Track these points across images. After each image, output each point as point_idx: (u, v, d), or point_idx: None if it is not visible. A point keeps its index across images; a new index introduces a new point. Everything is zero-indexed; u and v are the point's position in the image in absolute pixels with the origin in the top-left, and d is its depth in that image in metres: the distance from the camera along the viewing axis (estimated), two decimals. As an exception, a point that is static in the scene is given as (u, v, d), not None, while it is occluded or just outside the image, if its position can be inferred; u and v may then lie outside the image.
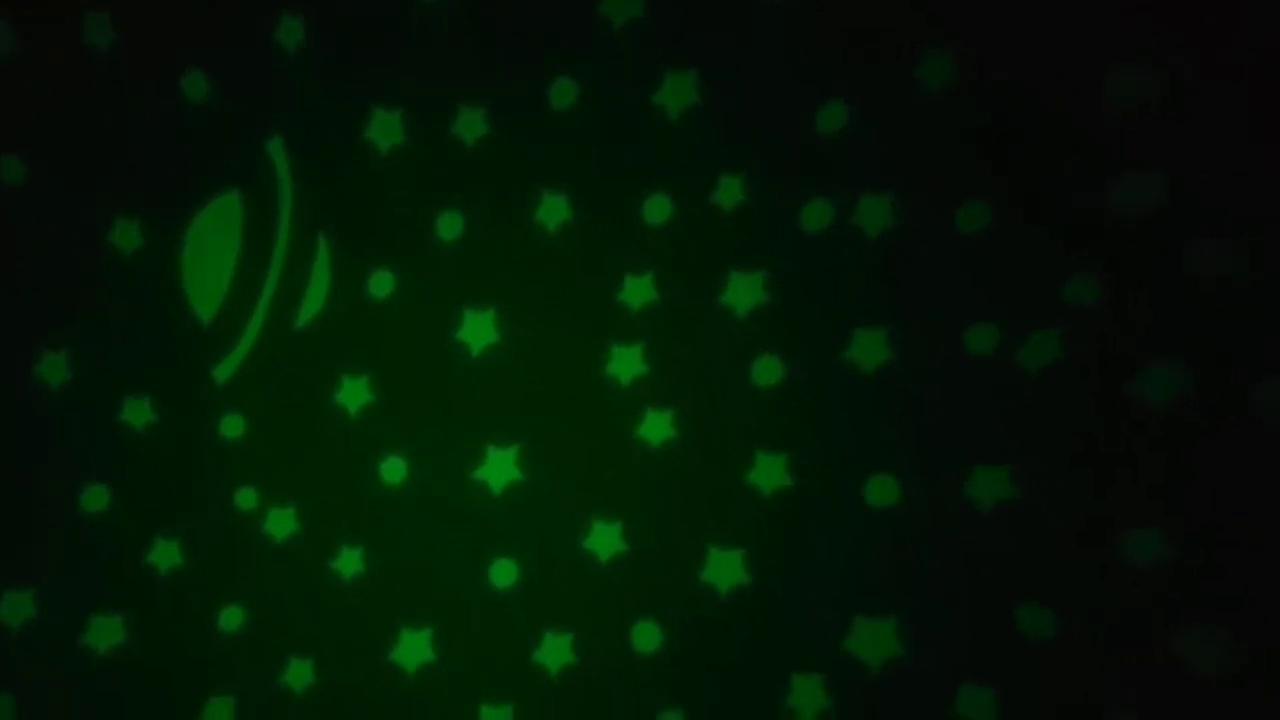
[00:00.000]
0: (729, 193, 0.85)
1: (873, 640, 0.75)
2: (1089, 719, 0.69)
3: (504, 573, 0.87)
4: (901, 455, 0.78)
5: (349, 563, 0.91)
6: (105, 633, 0.94)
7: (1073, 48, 0.72)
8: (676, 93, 0.85)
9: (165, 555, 0.95)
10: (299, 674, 0.89)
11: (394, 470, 0.92)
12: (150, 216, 1.01)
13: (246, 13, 0.96)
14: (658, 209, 0.87)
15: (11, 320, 1.02)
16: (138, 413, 0.99)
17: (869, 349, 0.80)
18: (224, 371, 0.99)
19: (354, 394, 0.95)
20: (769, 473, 0.81)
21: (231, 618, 0.92)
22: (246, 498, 0.95)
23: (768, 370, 0.83)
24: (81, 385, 1.01)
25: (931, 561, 0.75)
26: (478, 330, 0.92)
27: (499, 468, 0.89)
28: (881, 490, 0.78)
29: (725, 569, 0.81)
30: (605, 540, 0.85)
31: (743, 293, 0.84)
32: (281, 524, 0.93)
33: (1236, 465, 0.68)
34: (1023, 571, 0.73)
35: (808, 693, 0.76)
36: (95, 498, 0.98)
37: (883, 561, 0.77)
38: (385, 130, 0.94)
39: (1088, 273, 0.73)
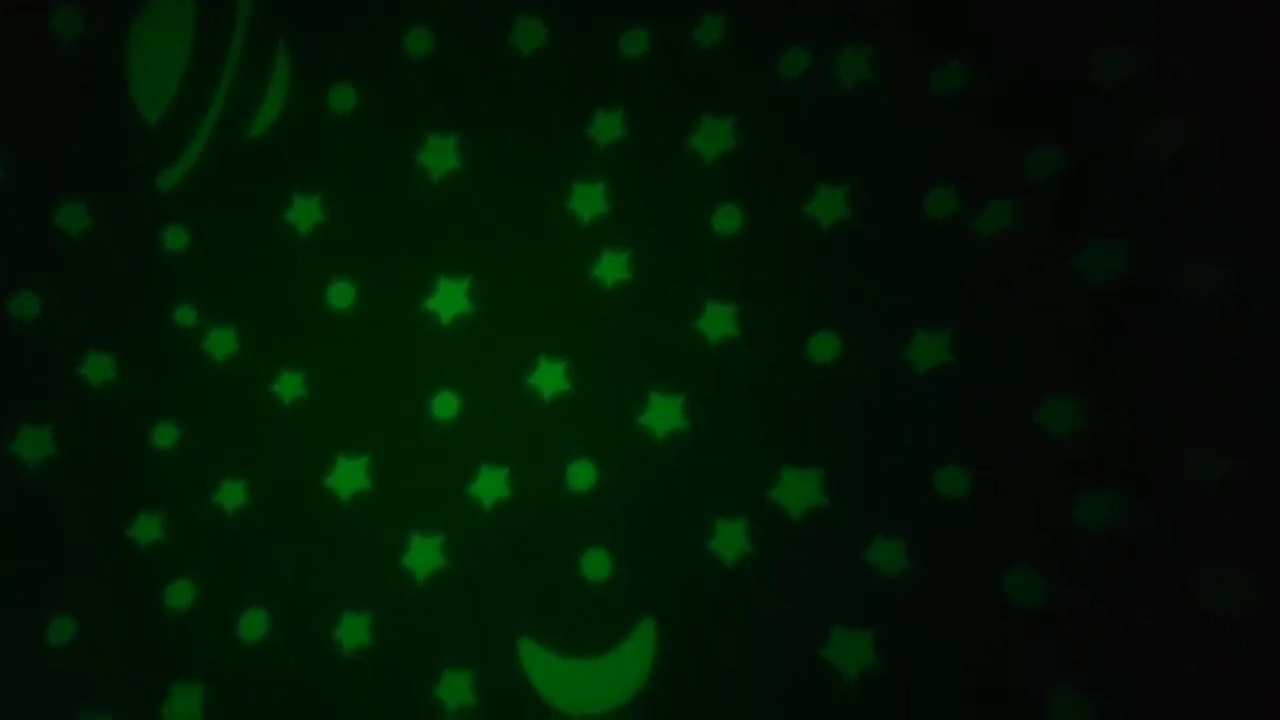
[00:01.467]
0: (709, 31, 0.88)
1: (797, 490, 0.82)
2: (989, 573, 0.78)
3: (445, 405, 0.92)
4: (847, 313, 0.83)
5: (289, 386, 0.94)
6: (34, 444, 0.96)
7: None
8: None
9: (98, 368, 0.97)
10: (231, 494, 0.93)
11: (342, 295, 0.94)
12: (94, 1, 1.00)
13: None
14: (635, 42, 0.89)
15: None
16: (73, 217, 1.00)
17: (830, 204, 0.85)
18: (169, 179, 1.00)
19: (305, 212, 0.97)
20: (717, 322, 0.86)
21: (165, 435, 0.95)
22: (186, 314, 0.97)
23: (728, 218, 0.88)
24: (12, 184, 1.02)
25: (862, 419, 0.82)
26: (439, 153, 0.94)
27: (450, 299, 0.92)
28: (823, 347, 0.84)
29: (664, 414, 0.86)
30: (549, 378, 0.89)
31: (712, 137, 0.88)
32: (221, 343, 0.96)
33: (1159, 346, 0.75)
34: (946, 434, 0.80)
35: (730, 538, 0.84)
36: (25, 304, 0.99)
37: (816, 416, 0.83)
38: (355, -71, 0.94)
39: (1052, 146, 0.78)
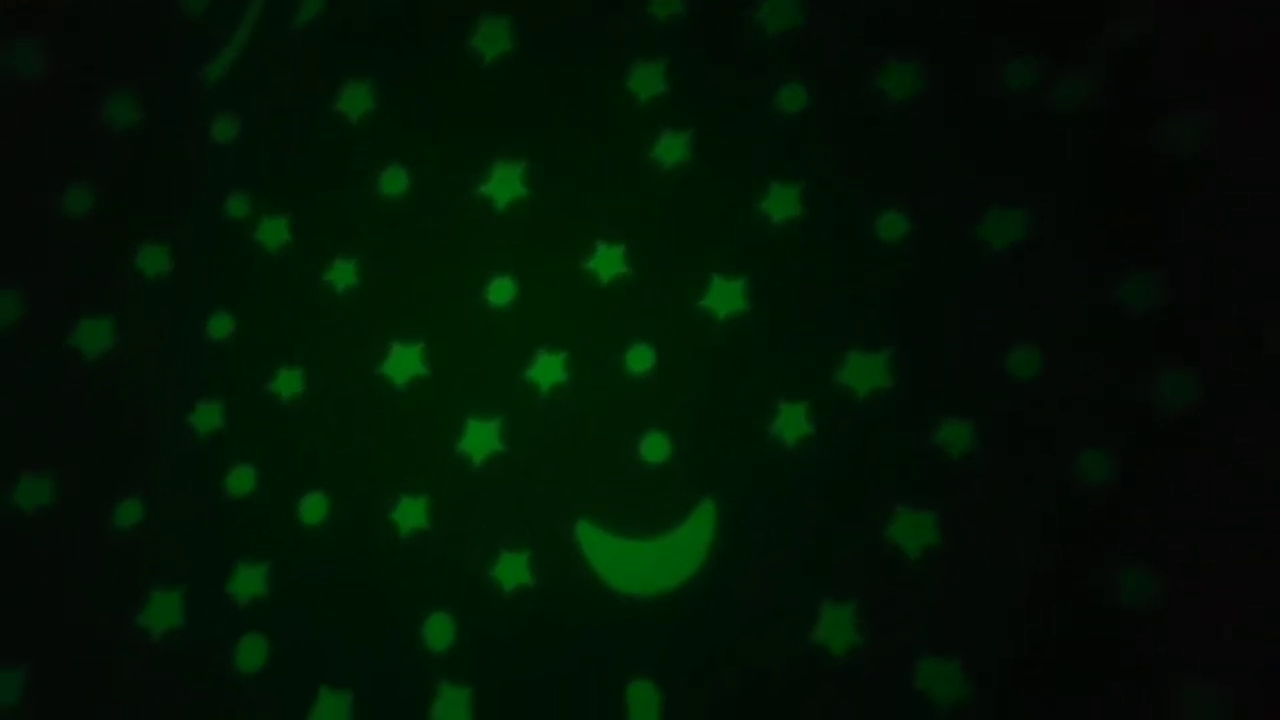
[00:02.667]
0: None
1: (863, 372, 0.80)
2: (1062, 458, 0.76)
3: (501, 290, 0.90)
4: (917, 191, 0.80)
5: (342, 274, 0.92)
6: (93, 335, 0.96)
7: None
8: None
9: (153, 260, 0.96)
10: (288, 382, 0.92)
11: (394, 181, 0.92)
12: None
13: None
14: None
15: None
16: (122, 110, 0.98)
17: (900, 79, 0.80)
18: (216, 69, 0.98)
19: (355, 99, 0.93)
20: (781, 202, 0.83)
21: (220, 325, 0.94)
22: (238, 205, 0.95)
23: (793, 97, 0.84)
24: (60, 79, 0.99)
25: (931, 299, 0.79)
26: (492, 36, 0.90)
27: (504, 183, 0.89)
28: (891, 225, 0.81)
29: (725, 296, 0.84)
30: (607, 262, 0.87)
31: (776, 12, 0.83)
32: (274, 233, 0.94)
33: (1239, 220, 0.71)
34: (1019, 313, 0.77)
35: (792, 420, 0.82)
36: (79, 199, 0.97)
37: (883, 296, 0.81)
38: None
39: (1131, 18, 0.73)
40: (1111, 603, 0.71)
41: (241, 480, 0.92)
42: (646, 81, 0.86)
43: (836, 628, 0.76)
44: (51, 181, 0.98)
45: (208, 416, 0.93)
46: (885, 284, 0.79)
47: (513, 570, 0.84)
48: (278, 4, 0.94)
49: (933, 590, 0.75)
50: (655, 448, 0.83)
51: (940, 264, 0.78)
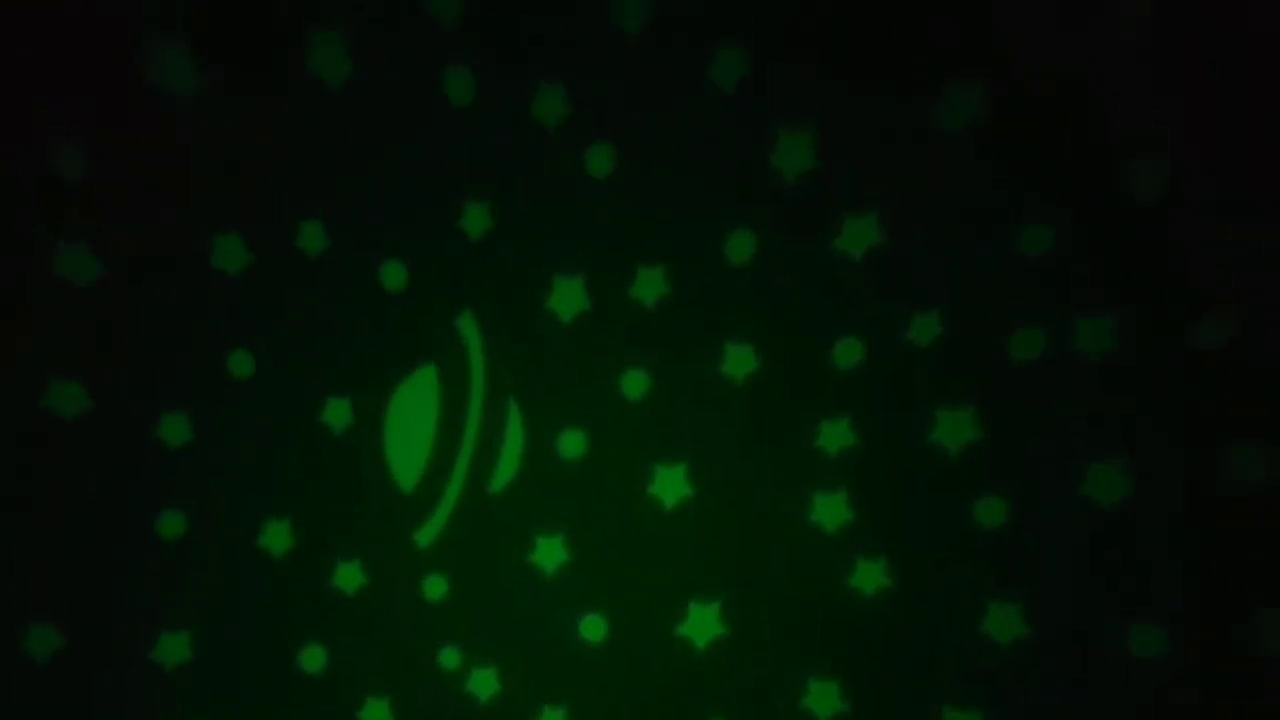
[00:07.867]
0: (925, 329, 0.78)
1: None
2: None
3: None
4: (1162, 603, 0.65)
5: None
6: None
7: None
8: (858, 237, 0.80)
9: (376, 714, 0.92)
10: None
11: (594, 628, 0.86)
12: (358, 395, 1.03)
13: (435, 201, 0.99)
14: (849, 351, 0.81)
15: (239, 494, 1.05)
16: (349, 577, 0.99)
17: (1103, 481, 0.69)
18: (426, 535, 0.98)
19: (549, 553, 0.91)
20: (1003, 622, 0.70)
21: None
22: (450, 657, 0.91)
23: (990, 511, 0.73)
24: (301, 553, 1.01)
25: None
26: (670, 484, 0.87)
27: (702, 623, 0.82)
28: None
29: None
30: (823, 699, 0.75)
31: (952, 429, 0.76)
32: (484, 683, 0.89)
33: None
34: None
35: None
36: (313, 658, 0.96)
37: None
38: (567, 297, 0.94)
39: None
40: None
41: None
42: (830, 511, 0.78)
43: None
44: (288, 643, 0.97)
45: None
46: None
47: None
48: (477, 472, 0.95)
49: None
50: None
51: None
